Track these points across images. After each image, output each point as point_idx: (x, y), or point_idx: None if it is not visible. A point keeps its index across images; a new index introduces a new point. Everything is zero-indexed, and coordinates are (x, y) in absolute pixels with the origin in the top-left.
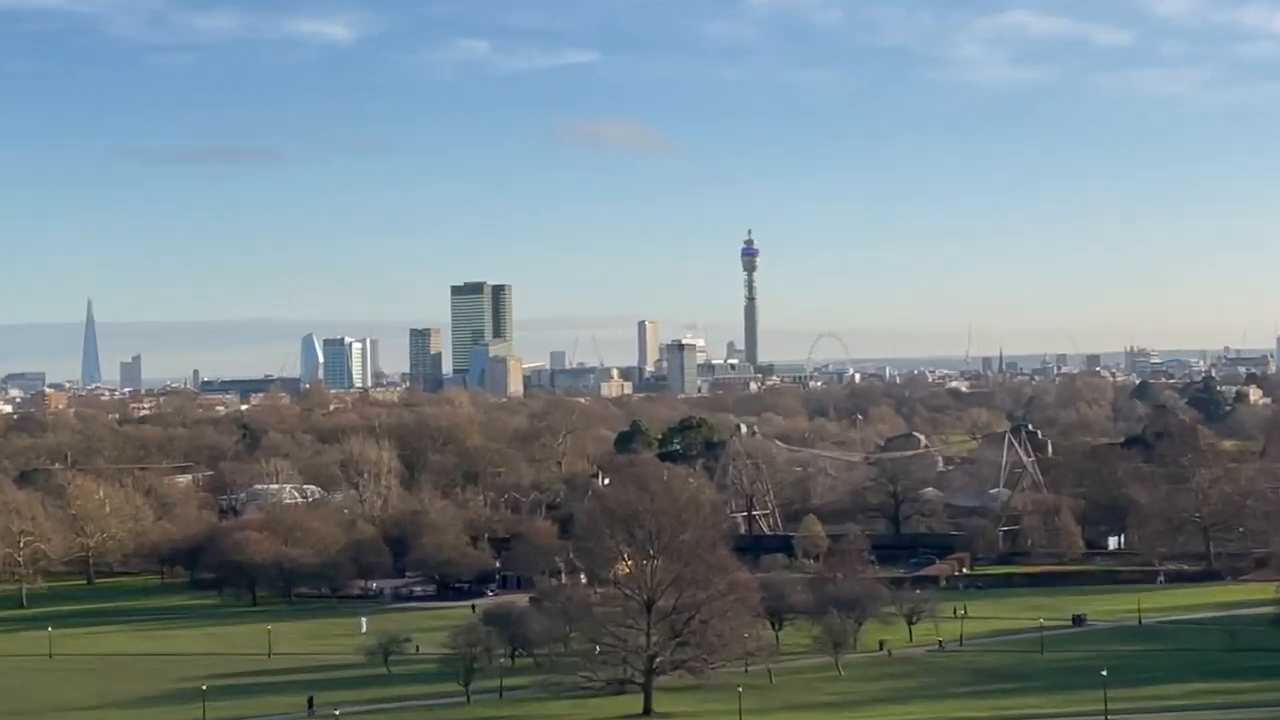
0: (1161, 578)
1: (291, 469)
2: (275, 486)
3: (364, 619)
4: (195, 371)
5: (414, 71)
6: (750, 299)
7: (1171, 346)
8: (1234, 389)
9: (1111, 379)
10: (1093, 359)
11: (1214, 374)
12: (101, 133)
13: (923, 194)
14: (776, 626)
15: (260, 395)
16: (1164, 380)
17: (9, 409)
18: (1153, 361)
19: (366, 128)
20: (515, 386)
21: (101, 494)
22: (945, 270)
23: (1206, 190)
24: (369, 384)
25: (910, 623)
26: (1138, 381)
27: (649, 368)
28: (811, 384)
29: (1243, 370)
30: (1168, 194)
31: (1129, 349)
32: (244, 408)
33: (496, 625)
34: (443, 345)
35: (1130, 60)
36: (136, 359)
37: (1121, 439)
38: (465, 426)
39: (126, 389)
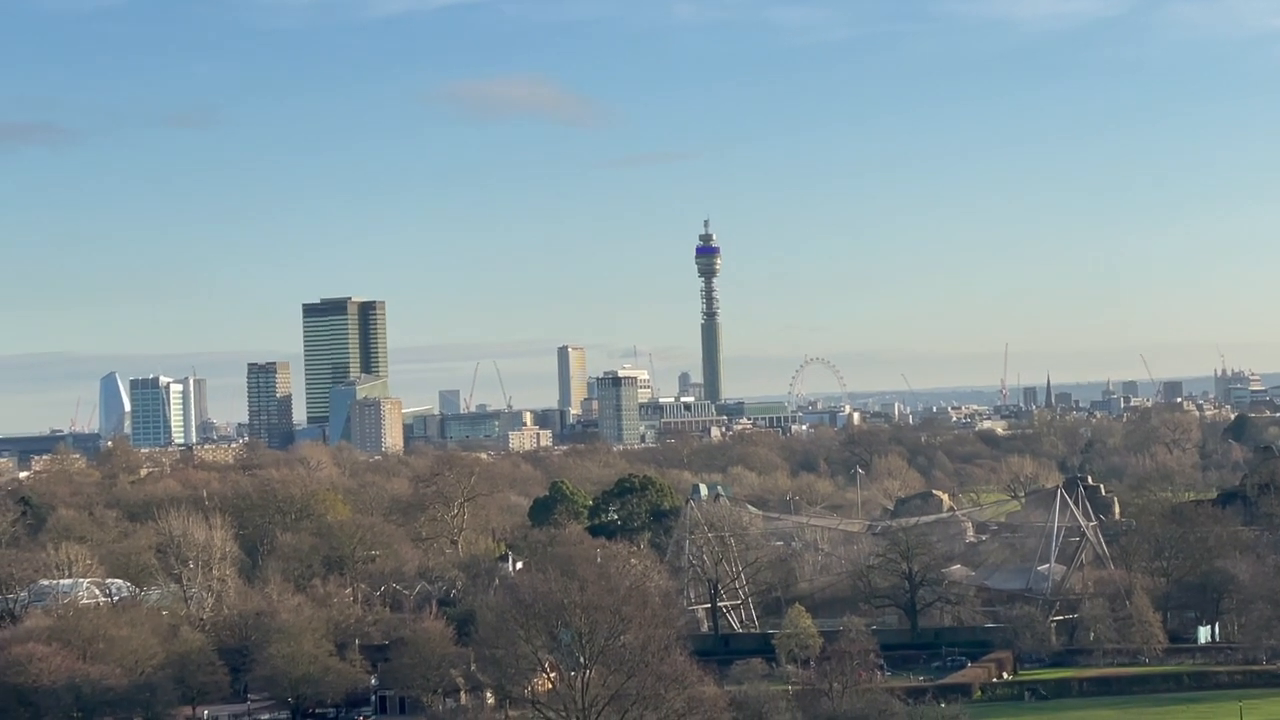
0: None
1: (90, 557)
2: (68, 582)
3: None
4: None
5: (250, 17)
6: (709, 315)
7: (1278, 367)
8: None
9: (1198, 413)
10: (1172, 386)
11: None
12: None
13: (942, 171)
14: None
15: (45, 457)
16: (1269, 414)
17: None
18: (1253, 389)
19: (186, 93)
20: (393, 439)
21: None
22: (972, 273)
23: None
24: (194, 439)
25: None
26: (1234, 416)
27: (574, 410)
28: (795, 427)
29: None
30: (1269, 165)
31: (1220, 372)
32: (23, 475)
33: None
34: (293, 385)
35: None
36: None
37: (1214, 494)
38: (326, 496)
39: None
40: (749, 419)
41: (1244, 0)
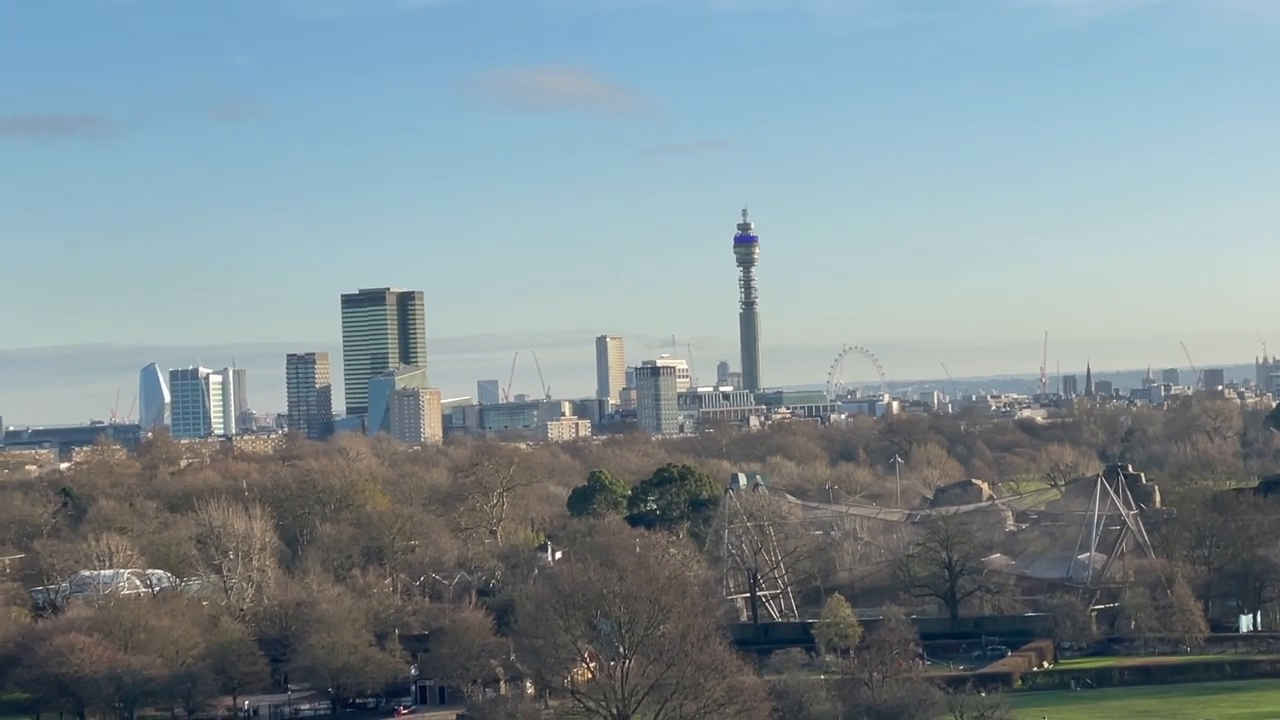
0: None
1: (130, 548)
2: (109, 573)
3: None
4: None
5: (290, 8)
6: (748, 304)
7: None
8: None
9: (1239, 401)
10: (1213, 374)
11: None
12: None
13: (981, 159)
14: None
15: (86, 449)
16: None
17: None
18: None
19: (226, 85)
20: (432, 429)
21: None
22: (1011, 261)
23: None
24: (233, 430)
25: None
26: (1275, 403)
27: (612, 400)
28: (834, 416)
29: None
30: None
31: (1261, 360)
32: (64, 466)
33: None
34: (332, 375)
35: None
36: None
37: (1255, 482)
38: (365, 486)
39: None
40: (788, 408)
41: None
